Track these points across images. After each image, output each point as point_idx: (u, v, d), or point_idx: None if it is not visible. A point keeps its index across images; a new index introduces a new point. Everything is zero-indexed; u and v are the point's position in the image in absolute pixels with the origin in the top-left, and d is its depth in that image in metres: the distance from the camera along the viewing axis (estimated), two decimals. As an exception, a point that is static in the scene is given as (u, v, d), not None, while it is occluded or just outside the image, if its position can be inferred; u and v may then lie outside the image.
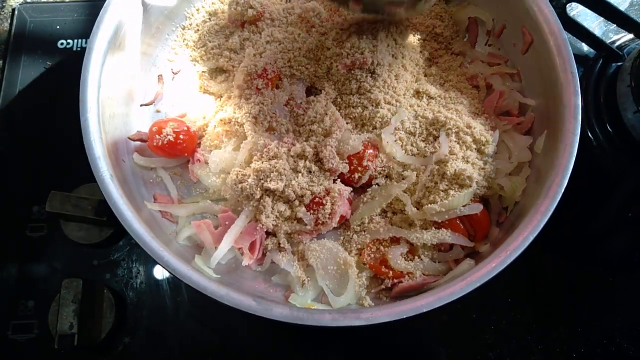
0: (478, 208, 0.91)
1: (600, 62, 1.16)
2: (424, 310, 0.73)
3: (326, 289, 0.87)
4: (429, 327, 1.03)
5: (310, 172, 0.90)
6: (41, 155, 1.14)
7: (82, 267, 1.06)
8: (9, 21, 1.27)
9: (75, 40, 1.26)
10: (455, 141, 0.92)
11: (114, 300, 1.00)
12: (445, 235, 0.89)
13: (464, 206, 0.90)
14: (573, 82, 0.88)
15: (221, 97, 1.04)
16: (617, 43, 1.20)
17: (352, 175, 0.94)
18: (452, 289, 0.75)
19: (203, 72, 1.08)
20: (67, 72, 1.20)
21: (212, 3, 1.13)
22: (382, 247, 0.91)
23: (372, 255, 0.90)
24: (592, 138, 1.12)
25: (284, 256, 0.90)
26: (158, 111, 1.08)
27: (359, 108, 0.96)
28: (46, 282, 1.04)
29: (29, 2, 1.29)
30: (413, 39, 1.04)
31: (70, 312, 0.94)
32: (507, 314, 1.03)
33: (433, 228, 0.91)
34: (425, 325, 1.03)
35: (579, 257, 1.08)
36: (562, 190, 0.81)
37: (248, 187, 0.87)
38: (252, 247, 0.88)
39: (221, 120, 0.96)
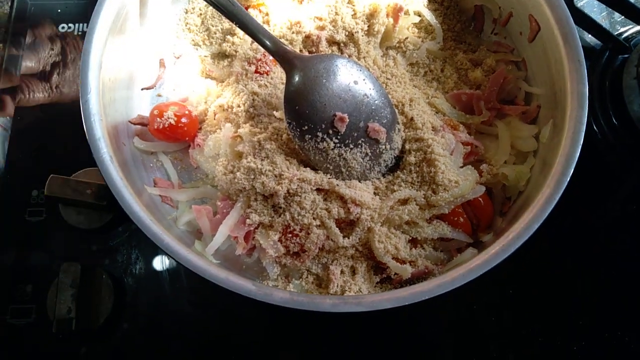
0: (481, 190, 0.91)
1: (607, 54, 1.15)
2: (426, 298, 0.72)
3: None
4: (429, 318, 1.02)
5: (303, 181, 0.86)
6: (41, 139, 1.13)
7: (81, 252, 1.05)
8: (9, 4, 1.26)
9: (77, 25, 1.25)
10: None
11: (113, 286, 1.00)
12: (446, 230, 0.89)
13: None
14: (580, 71, 0.86)
15: (223, 81, 1.03)
16: (625, 35, 1.19)
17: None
18: (454, 277, 0.74)
19: (205, 56, 1.06)
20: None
21: (216, -13, 1.12)
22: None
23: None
24: (597, 131, 1.11)
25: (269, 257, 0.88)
26: (159, 95, 1.07)
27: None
28: (45, 267, 1.03)
29: (30, -15, 1.27)
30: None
31: (68, 297, 0.94)
32: (508, 305, 1.02)
33: (434, 222, 0.90)
34: (426, 316, 1.02)
35: (582, 250, 1.07)
36: (568, 180, 0.80)
37: (237, 181, 0.86)
38: (247, 237, 0.87)
39: (219, 106, 0.95)
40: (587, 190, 1.04)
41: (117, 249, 1.06)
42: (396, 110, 0.95)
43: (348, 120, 0.86)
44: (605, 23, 1.21)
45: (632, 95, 1.06)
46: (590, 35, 1.17)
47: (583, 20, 1.13)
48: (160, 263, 1.05)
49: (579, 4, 1.19)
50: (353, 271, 0.88)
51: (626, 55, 1.12)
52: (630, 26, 1.20)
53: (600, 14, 1.23)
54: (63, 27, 1.24)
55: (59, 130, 1.14)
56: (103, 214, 1.03)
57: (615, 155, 1.11)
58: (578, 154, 0.81)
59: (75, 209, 1.03)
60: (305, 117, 0.85)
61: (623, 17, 1.18)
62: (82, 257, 1.04)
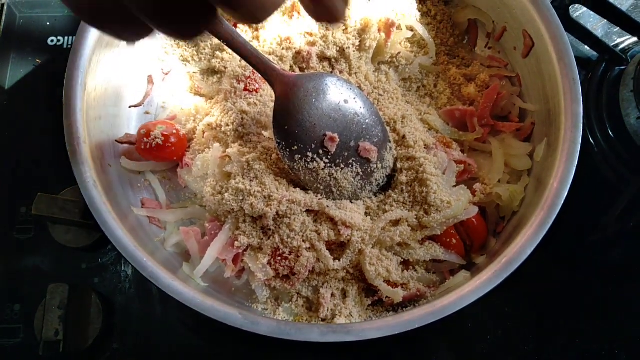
0: (474, 210, 0.90)
1: (603, 65, 1.13)
2: (417, 326, 0.71)
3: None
4: (422, 336, 1.01)
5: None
6: (29, 154, 1.12)
7: (70, 270, 1.04)
8: (-3, 17, 1.24)
9: (66, 38, 1.23)
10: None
11: (102, 306, 0.98)
12: (439, 252, 0.88)
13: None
14: (575, 89, 0.85)
15: (212, 98, 1.01)
16: (621, 46, 1.17)
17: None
18: (446, 304, 0.73)
19: (194, 73, 1.05)
20: (57, 70, 1.18)
21: (205, 1, 1.10)
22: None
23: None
24: (593, 144, 1.09)
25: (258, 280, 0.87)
26: (147, 113, 1.05)
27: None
28: (33, 286, 1.02)
29: (19, -2, 1.26)
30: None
31: (55, 319, 0.92)
32: (503, 323, 1.00)
33: (426, 243, 0.89)
34: (419, 334, 0.99)
35: (577, 266, 1.05)
36: (562, 202, 0.78)
37: (225, 202, 0.85)
38: (235, 259, 0.86)
39: (208, 125, 0.94)
40: (582, 203, 1.02)
41: (106, 267, 1.04)
42: (387, 129, 0.94)
43: (339, 140, 0.85)
44: (601, 34, 1.19)
45: (629, 108, 1.04)
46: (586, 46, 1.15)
47: (579, 31, 1.11)
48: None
49: (575, 15, 1.17)
50: (344, 294, 0.87)
51: (623, 67, 1.11)
52: (627, 37, 1.18)
53: (596, 24, 1.21)
54: (52, 40, 1.23)
55: (47, 144, 1.12)
56: (92, 232, 1.02)
57: (612, 169, 1.09)
58: (572, 176, 0.80)
59: (63, 227, 1.01)
60: (295, 137, 0.84)
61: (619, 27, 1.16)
62: (71, 276, 1.02)
